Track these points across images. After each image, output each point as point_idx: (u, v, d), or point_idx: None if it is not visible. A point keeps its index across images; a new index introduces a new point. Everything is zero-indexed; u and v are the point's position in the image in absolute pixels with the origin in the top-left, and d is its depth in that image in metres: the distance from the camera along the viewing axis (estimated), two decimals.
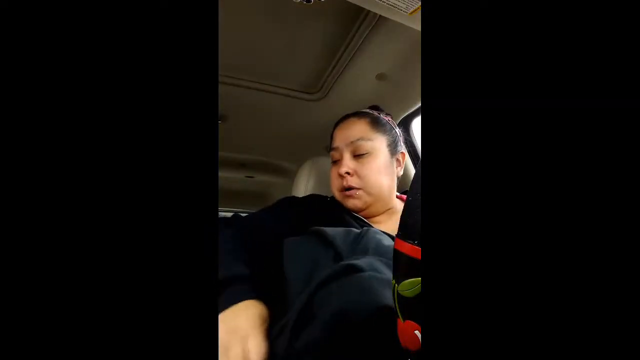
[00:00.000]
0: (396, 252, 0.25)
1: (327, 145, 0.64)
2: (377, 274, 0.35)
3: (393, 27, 0.67)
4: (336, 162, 0.61)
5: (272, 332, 0.36)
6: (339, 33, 0.71)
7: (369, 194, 0.57)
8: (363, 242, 0.42)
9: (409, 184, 0.32)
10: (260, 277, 0.42)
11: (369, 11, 0.64)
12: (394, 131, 0.63)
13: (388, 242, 0.44)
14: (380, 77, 0.84)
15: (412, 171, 0.97)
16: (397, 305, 0.24)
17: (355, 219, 0.55)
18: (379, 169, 0.57)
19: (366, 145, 0.58)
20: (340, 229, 0.46)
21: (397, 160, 0.62)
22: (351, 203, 0.57)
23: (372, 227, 0.53)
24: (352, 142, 0.58)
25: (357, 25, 0.68)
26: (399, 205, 0.62)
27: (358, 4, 0.48)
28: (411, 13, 0.49)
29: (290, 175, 1.39)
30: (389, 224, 0.58)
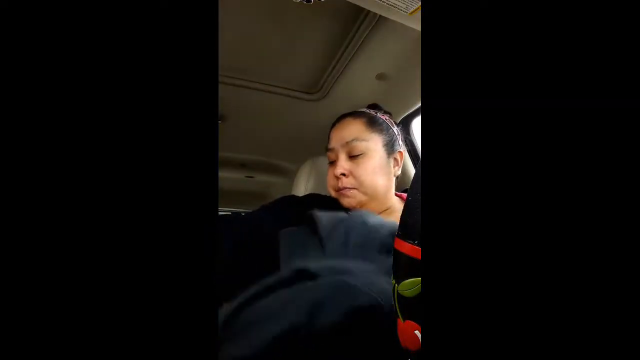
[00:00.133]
0: (396, 252, 0.25)
1: (326, 145, 0.64)
2: (340, 278, 0.31)
3: (393, 27, 0.67)
4: (332, 162, 0.61)
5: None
6: (339, 33, 0.71)
7: (363, 193, 0.57)
8: (342, 227, 0.41)
9: (409, 184, 0.32)
10: (259, 277, 0.42)
11: (369, 11, 0.64)
12: (391, 130, 0.63)
13: (373, 221, 0.42)
14: (380, 77, 0.84)
15: (412, 171, 0.98)
16: (397, 305, 0.24)
17: None
18: (374, 170, 0.57)
19: (361, 146, 0.58)
20: (327, 214, 0.45)
21: (395, 159, 0.62)
22: (346, 201, 0.58)
23: None
24: (347, 143, 0.58)
25: (357, 25, 0.68)
26: (398, 204, 0.62)
27: (358, 4, 0.48)
28: (411, 13, 0.49)
29: (290, 175, 1.39)
30: None
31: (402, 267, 0.24)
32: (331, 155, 0.61)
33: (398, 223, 0.25)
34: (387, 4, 0.47)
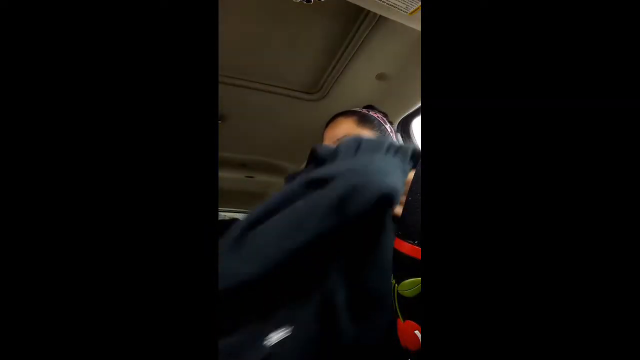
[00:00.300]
0: (396, 252, 0.25)
1: None
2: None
3: (393, 27, 0.67)
4: None
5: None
6: (339, 33, 0.71)
7: None
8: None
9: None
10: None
11: (369, 11, 0.63)
12: (383, 127, 0.63)
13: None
14: (380, 77, 0.84)
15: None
16: (397, 305, 0.25)
17: None
18: None
19: None
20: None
21: None
22: None
23: None
24: (338, 140, 0.59)
25: (357, 25, 0.68)
26: None
27: (358, 4, 0.48)
28: (411, 13, 0.49)
29: None
30: None
31: (402, 267, 0.24)
32: None
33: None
34: (387, 4, 0.47)
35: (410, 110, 0.95)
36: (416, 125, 1.03)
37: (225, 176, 1.43)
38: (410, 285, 0.23)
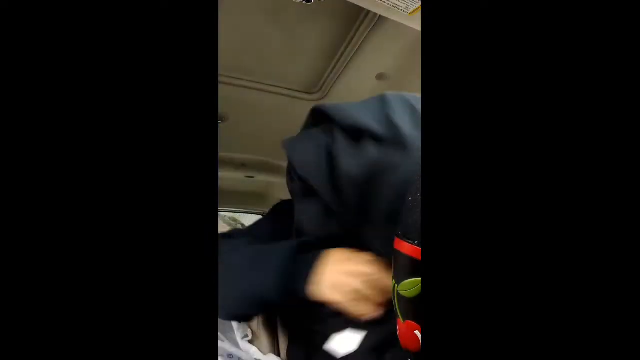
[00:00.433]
0: (396, 252, 0.25)
1: None
2: None
3: (393, 27, 0.66)
4: None
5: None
6: (339, 33, 0.71)
7: None
8: None
9: None
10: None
11: (369, 11, 0.63)
12: None
13: None
14: (380, 77, 0.84)
15: None
16: (397, 305, 0.24)
17: None
18: None
19: None
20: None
21: None
22: None
23: None
24: None
25: (357, 25, 0.68)
26: None
27: (358, 4, 0.48)
28: (411, 13, 0.49)
29: None
30: None
31: (402, 268, 0.24)
32: None
33: None
34: (387, 4, 0.47)
35: None
36: None
37: (225, 176, 1.43)
38: (410, 286, 0.23)
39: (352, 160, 0.37)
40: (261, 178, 1.49)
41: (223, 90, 0.86)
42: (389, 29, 0.67)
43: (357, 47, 0.73)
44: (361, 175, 0.36)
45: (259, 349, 0.64)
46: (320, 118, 0.45)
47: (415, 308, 0.23)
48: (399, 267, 0.24)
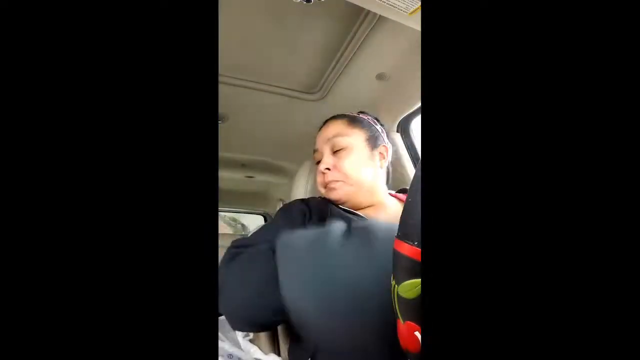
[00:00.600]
0: (396, 253, 0.25)
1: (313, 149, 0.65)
2: None
3: (393, 27, 0.66)
4: (319, 162, 0.63)
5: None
6: (339, 33, 0.71)
7: (350, 185, 0.59)
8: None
9: (409, 184, 0.32)
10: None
11: (369, 11, 0.63)
12: (373, 127, 0.64)
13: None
14: (380, 77, 0.84)
15: (411, 171, 0.97)
16: (397, 306, 0.24)
17: (345, 211, 0.57)
18: (358, 162, 0.59)
19: (343, 141, 0.60)
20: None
21: (380, 153, 0.63)
22: (333, 195, 0.59)
23: (363, 217, 0.54)
24: (329, 140, 0.60)
25: (357, 25, 0.68)
26: (390, 202, 0.62)
27: (358, 4, 0.48)
28: (411, 13, 0.49)
29: (290, 176, 1.39)
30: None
31: (402, 269, 0.24)
32: (317, 155, 0.63)
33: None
34: (387, 4, 0.47)
35: (410, 110, 0.95)
36: (416, 125, 1.02)
37: (225, 176, 1.43)
38: (410, 287, 0.23)
39: None
40: (261, 178, 1.49)
41: (223, 90, 0.86)
42: (389, 29, 0.67)
43: (357, 47, 0.73)
44: None
45: (259, 348, 0.65)
46: None
47: (415, 309, 0.23)
48: (399, 268, 0.24)
